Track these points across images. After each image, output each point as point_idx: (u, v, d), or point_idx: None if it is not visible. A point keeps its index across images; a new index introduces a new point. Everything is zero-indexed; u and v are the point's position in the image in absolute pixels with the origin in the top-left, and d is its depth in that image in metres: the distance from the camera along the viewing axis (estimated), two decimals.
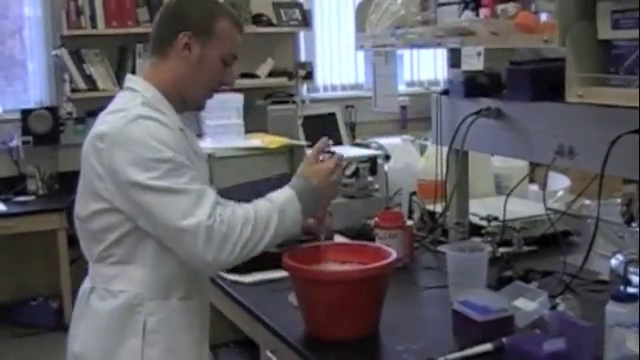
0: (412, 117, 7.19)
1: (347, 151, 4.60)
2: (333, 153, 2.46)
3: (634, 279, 2.66)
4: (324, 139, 2.48)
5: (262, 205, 2.28)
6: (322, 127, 6.56)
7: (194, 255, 2.18)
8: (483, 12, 2.61)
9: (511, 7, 2.49)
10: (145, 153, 2.17)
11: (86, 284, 2.41)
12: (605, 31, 2.25)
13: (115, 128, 2.21)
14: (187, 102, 2.42)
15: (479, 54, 2.66)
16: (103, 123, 2.27)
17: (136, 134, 2.19)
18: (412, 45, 3.06)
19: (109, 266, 2.31)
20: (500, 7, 2.53)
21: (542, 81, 2.71)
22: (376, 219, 3.18)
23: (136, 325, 2.29)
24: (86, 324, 2.37)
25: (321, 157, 2.45)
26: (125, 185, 2.18)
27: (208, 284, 2.56)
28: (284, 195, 2.32)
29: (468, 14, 2.68)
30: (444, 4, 2.88)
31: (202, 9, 2.37)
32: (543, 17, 2.38)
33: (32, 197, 6.14)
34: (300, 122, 6.27)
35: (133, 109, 2.26)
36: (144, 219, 2.21)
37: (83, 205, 2.33)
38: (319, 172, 2.39)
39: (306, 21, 7.02)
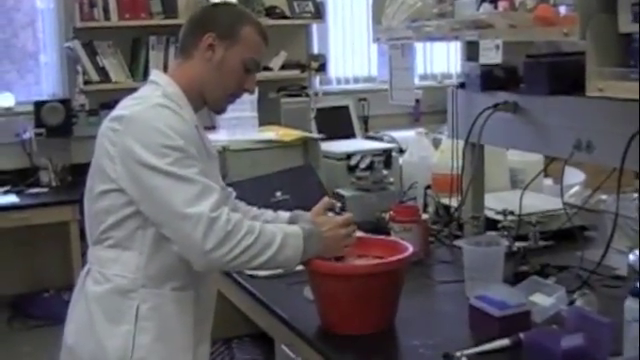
0: (425, 110, 7.17)
1: (360, 144, 4.59)
2: (341, 213, 2.57)
3: None
4: (328, 200, 2.59)
5: (268, 226, 2.34)
6: (335, 120, 6.56)
7: (191, 243, 2.19)
8: (502, 5, 2.59)
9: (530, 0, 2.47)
10: (158, 138, 2.22)
11: (85, 268, 2.44)
12: (626, 24, 2.22)
13: (133, 112, 2.28)
14: (208, 102, 2.47)
15: (497, 47, 2.64)
16: (122, 108, 2.32)
17: (152, 119, 2.25)
18: (429, 38, 3.05)
19: (106, 249, 2.34)
20: (519, 0, 2.51)
21: (560, 75, 2.70)
22: (391, 213, 3.16)
23: (129, 311, 2.31)
24: (79, 308, 2.40)
25: (330, 214, 2.55)
26: (135, 166, 2.22)
27: (210, 278, 2.53)
28: (291, 228, 2.39)
29: (486, 7, 2.66)
30: None
31: (230, 14, 2.46)
32: (562, 10, 2.36)
33: (45, 189, 6.15)
34: (313, 115, 6.26)
35: (152, 98, 2.33)
36: (148, 203, 2.24)
37: (91, 186, 2.36)
38: (328, 222, 2.47)
39: (319, 13, 7.00)
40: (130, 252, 2.31)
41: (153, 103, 2.29)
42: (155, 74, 2.48)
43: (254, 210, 2.71)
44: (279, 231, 2.32)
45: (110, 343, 2.31)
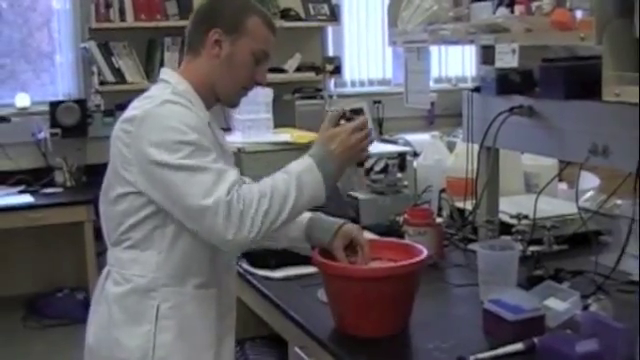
0: (439, 113, 7.16)
1: (375, 147, 4.58)
2: (352, 118, 2.43)
3: None
4: (333, 112, 2.46)
5: (279, 178, 2.27)
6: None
7: (216, 233, 2.18)
8: (518, 9, 2.58)
9: (546, 4, 2.46)
10: (171, 135, 2.21)
11: (105, 270, 2.45)
12: None
13: (143, 111, 2.26)
14: (220, 98, 2.45)
15: (514, 51, 2.63)
16: (133, 109, 2.32)
17: (163, 116, 2.24)
18: (445, 41, 3.05)
19: (125, 250, 2.34)
20: (535, 4, 2.50)
21: (576, 79, 2.70)
22: (405, 216, 3.16)
23: (149, 310, 2.32)
24: (100, 310, 2.40)
25: (342, 122, 2.41)
26: (149, 166, 2.21)
27: (231, 277, 2.55)
28: (302, 165, 2.30)
29: (503, 11, 2.66)
30: (478, 0, 2.86)
31: (234, 7, 2.41)
32: (579, 14, 2.35)
33: (60, 189, 6.19)
34: None
35: (162, 96, 2.32)
36: (167, 201, 2.23)
37: (107, 189, 2.37)
38: (336, 135, 2.35)
39: (334, 16, 7.01)
40: (150, 252, 2.31)
41: (162, 100, 2.29)
42: (165, 72, 2.47)
43: None
44: (290, 178, 2.25)
45: (131, 343, 2.31)
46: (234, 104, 2.52)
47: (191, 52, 2.45)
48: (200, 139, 2.23)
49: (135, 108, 2.31)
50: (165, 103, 2.27)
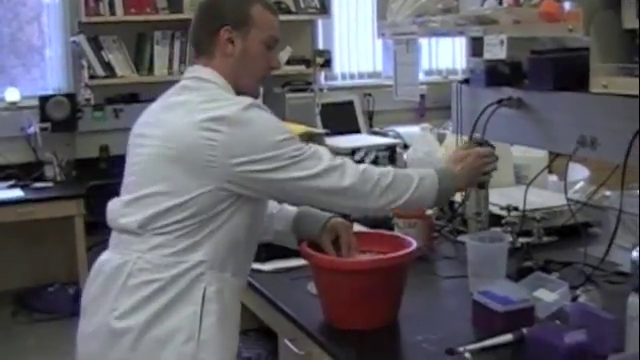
0: (430, 106, 7.16)
1: (365, 140, 4.59)
2: (484, 144, 2.69)
3: None
4: (474, 137, 2.78)
5: (402, 170, 2.49)
6: (340, 115, 6.55)
7: (364, 200, 2.35)
8: (506, 0, 2.59)
9: None
10: (272, 136, 2.26)
11: (115, 258, 2.37)
12: (630, 20, 2.22)
13: (235, 112, 2.26)
14: (243, 92, 2.43)
15: (502, 43, 2.64)
16: (208, 110, 2.27)
17: (258, 118, 2.28)
18: (433, 33, 3.05)
19: (176, 239, 2.30)
20: None
21: (564, 71, 2.69)
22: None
23: (197, 292, 2.29)
24: (132, 298, 2.31)
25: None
26: (257, 166, 2.24)
27: (247, 268, 2.53)
28: (426, 171, 2.48)
29: (491, 2, 2.66)
30: None
31: (235, 2, 2.42)
32: (567, 6, 2.36)
33: (50, 183, 6.16)
34: (318, 110, 6.25)
35: (237, 98, 2.35)
36: (282, 195, 2.38)
37: (165, 184, 2.31)
38: (465, 157, 2.57)
39: (325, 9, 7.00)
40: (204, 238, 2.29)
41: (248, 103, 2.29)
42: (210, 73, 2.42)
43: None
44: (415, 172, 2.44)
45: (177, 324, 2.28)
46: (256, 94, 2.50)
47: (204, 55, 2.43)
48: (293, 136, 2.32)
49: (217, 109, 2.27)
50: (251, 106, 2.28)
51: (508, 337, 2.25)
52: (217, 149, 2.23)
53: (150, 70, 6.45)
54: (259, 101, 2.38)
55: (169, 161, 2.29)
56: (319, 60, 6.97)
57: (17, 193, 5.89)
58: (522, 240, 3.00)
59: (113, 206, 2.44)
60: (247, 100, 2.31)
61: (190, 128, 2.26)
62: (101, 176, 5.99)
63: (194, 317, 2.28)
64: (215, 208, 2.28)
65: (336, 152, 3.90)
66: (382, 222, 3.28)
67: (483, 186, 2.65)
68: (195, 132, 2.25)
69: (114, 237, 2.43)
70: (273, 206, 2.67)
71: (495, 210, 3.27)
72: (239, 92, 2.42)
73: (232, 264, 2.36)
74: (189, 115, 2.28)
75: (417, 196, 2.40)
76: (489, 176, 2.66)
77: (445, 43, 7.58)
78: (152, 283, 2.30)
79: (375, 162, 3.76)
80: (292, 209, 2.66)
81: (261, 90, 4.12)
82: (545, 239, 3.12)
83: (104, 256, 2.43)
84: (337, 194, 2.30)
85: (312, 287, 2.65)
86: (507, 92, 2.97)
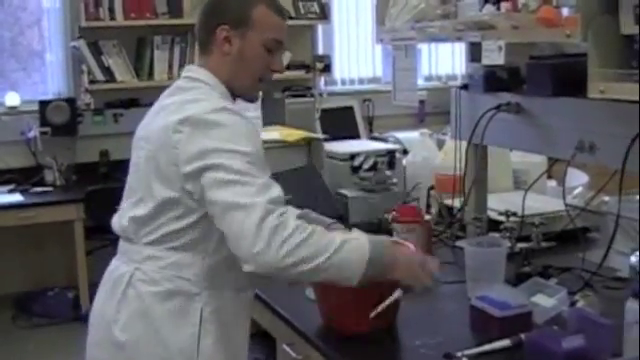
0: (430, 111, 7.18)
1: (364, 145, 4.59)
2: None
3: None
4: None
5: (329, 234, 2.20)
6: (339, 121, 6.56)
7: (244, 238, 2.08)
8: (504, 6, 2.59)
9: (533, 1, 2.47)
10: (227, 143, 2.15)
11: (121, 267, 2.37)
12: (628, 26, 2.22)
13: (200, 113, 2.20)
14: (239, 93, 2.40)
15: (500, 48, 2.64)
16: (183, 110, 2.23)
17: (222, 122, 2.18)
18: (432, 39, 3.05)
19: (167, 251, 2.28)
20: (521, 1, 2.52)
21: (563, 76, 2.71)
22: (394, 213, 3.16)
23: (194, 313, 2.27)
24: (130, 309, 2.32)
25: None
26: (202, 165, 2.15)
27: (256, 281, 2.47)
28: (357, 245, 2.20)
29: (489, 8, 2.66)
30: None
31: (237, 0, 2.36)
32: (565, 11, 2.37)
33: (49, 188, 6.17)
34: (318, 115, 6.26)
35: (216, 100, 2.27)
36: (207, 199, 2.16)
37: (140, 190, 2.31)
38: (410, 251, 2.33)
39: (324, 14, 7.01)
40: (196, 256, 2.27)
41: (221, 106, 2.23)
42: (201, 73, 2.37)
43: None
44: (339, 243, 2.15)
45: (175, 344, 2.27)
46: (253, 98, 2.47)
47: (203, 50, 2.40)
48: (256, 151, 2.18)
49: (186, 109, 2.23)
50: (223, 110, 2.21)
51: (506, 342, 2.26)
52: (179, 150, 2.19)
53: (150, 75, 6.46)
54: (239, 107, 2.33)
55: (151, 164, 2.28)
56: (319, 65, 6.98)
57: (17, 197, 5.90)
58: (520, 245, 3.00)
59: (119, 211, 2.44)
60: (222, 103, 2.25)
61: (164, 130, 2.23)
62: (101, 181, 6.01)
63: (192, 339, 2.27)
64: (190, 217, 2.24)
65: (335, 157, 3.92)
66: (381, 227, 3.28)
67: (407, 290, 2.42)
68: (166, 134, 2.22)
69: (120, 244, 2.44)
70: None
71: (494, 215, 3.28)
72: (235, 93, 2.39)
73: (232, 281, 2.32)
74: (169, 117, 2.25)
75: (337, 262, 2.14)
76: (411, 291, 2.34)
77: (444, 49, 7.59)
78: (148, 296, 2.30)
79: (374, 167, 3.75)
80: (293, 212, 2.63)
81: (260, 95, 4.12)
82: (544, 244, 3.12)
83: (112, 263, 2.43)
84: (239, 237, 2.11)
85: (310, 292, 2.65)
86: (506, 97, 2.98)
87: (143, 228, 2.31)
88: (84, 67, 6.25)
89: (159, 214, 2.27)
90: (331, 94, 7.19)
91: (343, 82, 7.48)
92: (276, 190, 2.16)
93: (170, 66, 6.48)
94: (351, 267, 2.16)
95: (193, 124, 2.19)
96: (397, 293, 2.32)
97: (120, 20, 6.29)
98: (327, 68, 7.06)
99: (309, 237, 2.11)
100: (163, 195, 2.25)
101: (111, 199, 2.50)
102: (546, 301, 2.49)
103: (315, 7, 6.96)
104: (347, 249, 2.15)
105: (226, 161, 2.13)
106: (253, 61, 2.35)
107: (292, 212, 2.23)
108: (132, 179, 2.39)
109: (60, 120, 6.26)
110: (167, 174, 2.23)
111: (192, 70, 2.41)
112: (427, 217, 3.26)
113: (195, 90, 2.33)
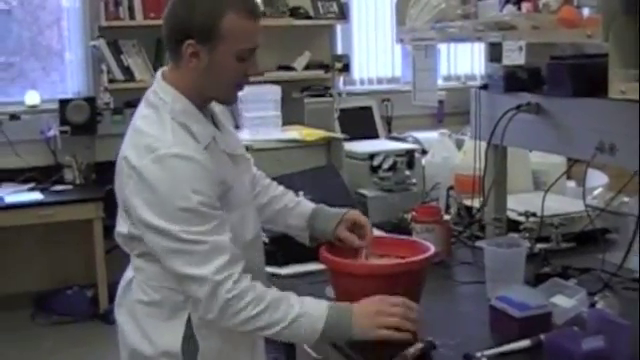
0: (449, 111, 7.18)
1: (383, 145, 4.59)
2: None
3: None
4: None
5: (285, 302, 2.19)
6: (358, 120, 6.56)
7: (197, 304, 2.17)
8: (525, 6, 2.58)
9: (553, 1, 2.46)
10: (167, 200, 2.11)
11: (128, 272, 2.40)
12: None
13: (143, 166, 2.13)
14: (215, 100, 2.33)
15: (521, 49, 2.64)
16: (134, 147, 2.19)
17: (161, 177, 2.11)
18: (452, 39, 3.05)
19: (150, 262, 2.27)
20: (542, 1, 2.50)
21: (583, 76, 2.69)
22: (413, 213, 3.16)
23: (181, 319, 2.27)
24: (127, 313, 2.36)
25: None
26: (142, 224, 2.16)
27: (262, 279, 2.38)
28: (314, 316, 2.19)
29: (510, 8, 2.66)
30: None
31: (203, 10, 2.15)
32: (586, 12, 2.36)
33: (69, 187, 6.21)
34: (336, 115, 6.26)
35: (163, 144, 2.15)
36: (160, 260, 2.19)
37: (121, 212, 2.31)
38: (379, 302, 2.28)
39: (343, 14, 7.02)
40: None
41: (162, 153, 2.12)
42: (162, 89, 2.27)
43: (273, 189, 2.66)
44: (294, 309, 2.17)
45: (162, 347, 2.28)
46: (230, 102, 2.40)
47: (172, 61, 2.26)
48: (201, 203, 2.11)
49: (136, 148, 2.18)
50: (165, 158, 2.11)
51: (526, 343, 2.25)
52: (127, 197, 2.18)
53: None
54: (188, 148, 2.18)
55: (119, 191, 2.28)
56: (338, 65, 6.99)
57: (37, 196, 5.93)
58: (540, 246, 3.00)
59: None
60: (162, 150, 2.13)
61: (122, 163, 2.21)
62: None
63: (179, 343, 2.26)
64: None
65: (354, 157, 3.92)
66: (400, 227, 3.29)
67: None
68: (122, 170, 2.21)
69: None
70: (290, 199, 2.66)
71: (513, 216, 3.28)
72: (208, 100, 2.31)
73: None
74: (125, 147, 2.23)
75: (287, 334, 2.19)
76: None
77: (464, 49, 7.59)
78: (141, 304, 2.32)
79: (393, 167, 3.75)
80: (309, 205, 2.63)
81: (279, 95, 4.14)
82: (563, 245, 3.11)
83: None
84: (196, 302, 2.16)
85: (330, 291, 2.65)
86: (526, 98, 2.97)
87: (129, 243, 2.32)
88: (104, 66, 6.28)
89: (135, 234, 2.25)
90: (350, 94, 7.20)
91: (362, 82, 7.49)
92: (223, 250, 2.14)
93: None
94: (303, 339, 2.24)
95: (138, 177, 2.14)
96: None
97: (140, 20, 6.32)
98: (346, 68, 7.06)
99: (263, 312, 2.14)
100: (129, 229, 2.26)
101: None
102: (566, 302, 2.48)
103: (334, 7, 6.97)
104: (298, 325, 2.17)
105: (168, 221, 2.10)
106: (225, 73, 2.21)
107: (245, 277, 2.17)
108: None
109: (80, 119, 6.30)
110: (126, 210, 2.24)
111: (157, 82, 2.30)
112: (446, 217, 3.26)
113: (154, 112, 2.25)
